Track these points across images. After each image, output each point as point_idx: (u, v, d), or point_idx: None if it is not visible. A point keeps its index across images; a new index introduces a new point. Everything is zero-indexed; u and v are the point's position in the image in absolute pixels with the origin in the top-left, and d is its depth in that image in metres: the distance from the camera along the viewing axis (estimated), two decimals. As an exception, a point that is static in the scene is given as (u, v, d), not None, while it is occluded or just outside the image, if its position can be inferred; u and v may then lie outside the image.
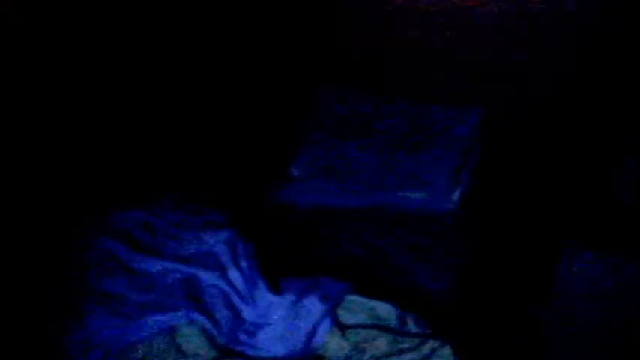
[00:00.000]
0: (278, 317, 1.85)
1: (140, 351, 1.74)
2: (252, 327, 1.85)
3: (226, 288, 1.89)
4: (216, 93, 2.58)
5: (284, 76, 2.66)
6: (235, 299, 1.88)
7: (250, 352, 1.80)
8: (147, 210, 2.07)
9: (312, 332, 1.80)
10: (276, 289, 1.92)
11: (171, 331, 1.78)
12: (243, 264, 1.96)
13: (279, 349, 1.80)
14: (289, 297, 1.88)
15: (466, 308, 2.11)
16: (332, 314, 1.83)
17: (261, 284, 1.92)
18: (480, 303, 2.15)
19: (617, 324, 2.02)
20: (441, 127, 2.50)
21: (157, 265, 1.91)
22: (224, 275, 1.91)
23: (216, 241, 2.00)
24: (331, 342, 1.80)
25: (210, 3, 2.53)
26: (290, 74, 2.66)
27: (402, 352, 1.76)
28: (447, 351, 1.77)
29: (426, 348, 1.77)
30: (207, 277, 1.89)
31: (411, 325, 1.84)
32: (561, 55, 2.50)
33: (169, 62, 2.51)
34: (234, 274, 1.93)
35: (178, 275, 1.89)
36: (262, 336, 1.83)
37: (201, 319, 1.80)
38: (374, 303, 1.87)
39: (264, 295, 1.90)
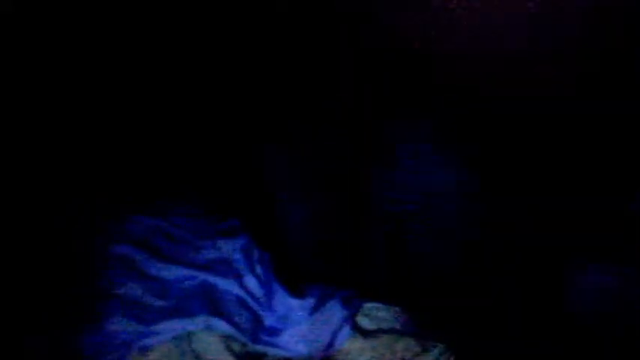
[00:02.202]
0: (300, 319, 1.88)
1: (156, 356, 1.73)
2: (274, 329, 1.87)
3: (243, 294, 1.89)
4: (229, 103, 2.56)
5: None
6: (253, 304, 1.89)
7: (272, 351, 1.82)
8: (164, 217, 2.09)
9: (334, 335, 1.84)
10: (295, 293, 1.95)
11: (188, 336, 1.78)
12: (259, 271, 1.98)
13: (302, 349, 1.83)
14: (310, 301, 1.92)
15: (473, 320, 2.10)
16: (352, 320, 1.87)
17: (278, 289, 1.95)
18: (488, 314, 2.14)
19: (628, 334, 2.01)
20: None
21: (173, 272, 1.91)
22: (240, 282, 1.92)
23: (232, 249, 2.01)
24: (352, 346, 1.83)
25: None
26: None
27: (417, 354, 1.82)
28: (451, 358, 1.85)
29: (437, 351, 1.85)
30: (223, 283, 1.90)
31: (422, 329, 1.91)
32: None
33: (190, 73, 2.49)
34: (250, 281, 1.94)
35: (195, 282, 1.89)
36: (285, 336, 1.85)
37: (220, 323, 1.79)
38: (391, 309, 1.93)
39: (284, 300, 1.93)
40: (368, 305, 1.93)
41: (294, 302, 1.92)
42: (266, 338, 1.83)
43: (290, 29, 2.38)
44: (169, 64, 2.45)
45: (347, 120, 2.35)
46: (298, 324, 1.87)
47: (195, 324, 1.78)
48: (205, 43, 2.49)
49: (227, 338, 1.79)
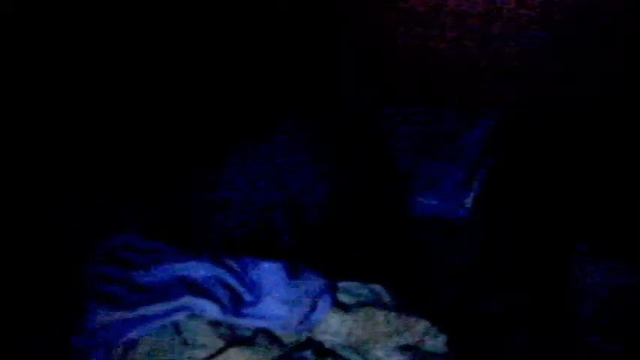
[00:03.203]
0: (277, 282, 1.84)
1: (146, 347, 1.71)
2: (254, 300, 1.83)
3: (224, 275, 1.86)
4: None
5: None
6: (235, 284, 1.85)
7: (258, 323, 1.78)
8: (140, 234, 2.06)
9: (315, 302, 1.80)
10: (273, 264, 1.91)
11: (175, 326, 1.75)
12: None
13: (283, 312, 1.78)
14: (286, 272, 1.86)
15: (473, 309, 2.12)
16: (332, 293, 1.84)
17: (257, 262, 1.90)
18: (490, 304, 2.14)
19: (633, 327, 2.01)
20: (454, 132, 2.49)
21: (154, 275, 1.88)
22: (221, 264, 1.89)
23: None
24: (332, 320, 1.79)
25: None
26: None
27: (399, 330, 1.79)
28: (441, 338, 1.81)
29: (420, 328, 1.81)
30: (203, 270, 1.87)
31: (404, 306, 1.87)
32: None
33: (190, 74, 2.49)
34: (229, 261, 1.91)
35: (176, 276, 1.86)
36: (265, 302, 1.81)
37: (202, 302, 1.77)
38: (370, 286, 1.89)
39: (263, 273, 1.87)
40: (346, 283, 1.89)
41: (268, 266, 1.87)
42: (247, 311, 1.79)
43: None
44: (171, 64, 2.46)
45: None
46: (276, 287, 1.83)
47: (179, 305, 1.76)
48: (205, 43, 2.51)
49: (214, 322, 1.77)
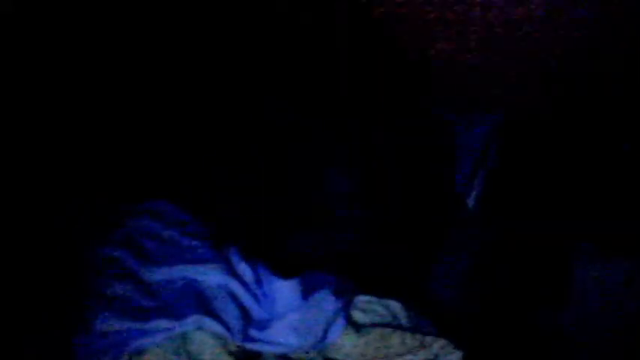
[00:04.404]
0: (291, 304, 1.82)
1: (152, 357, 1.68)
2: (264, 322, 1.80)
3: (234, 286, 1.83)
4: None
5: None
6: (245, 297, 1.83)
7: (266, 348, 1.75)
8: (153, 218, 2.02)
9: (328, 327, 1.77)
10: (284, 275, 1.89)
11: (182, 337, 1.72)
12: (252, 260, 1.92)
13: (293, 341, 1.75)
14: (300, 290, 1.85)
15: (476, 312, 2.11)
16: (346, 313, 1.80)
17: (271, 279, 1.89)
18: (491, 307, 2.14)
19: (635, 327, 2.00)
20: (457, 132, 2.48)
21: (164, 273, 1.85)
22: (234, 273, 1.86)
23: (224, 245, 1.96)
24: (345, 341, 1.76)
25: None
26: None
27: (413, 349, 1.77)
28: (456, 354, 1.79)
29: (436, 346, 1.78)
30: (216, 278, 1.84)
31: (422, 324, 1.85)
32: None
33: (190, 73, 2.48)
34: (243, 268, 1.88)
35: (186, 280, 1.84)
36: (275, 328, 1.78)
37: (211, 323, 1.73)
38: (385, 302, 1.86)
39: (276, 290, 1.86)
40: (362, 298, 1.86)
41: (283, 284, 1.86)
42: (255, 334, 1.77)
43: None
44: (172, 65, 2.46)
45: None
46: (290, 311, 1.80)
47: (186, 324, 1.72)
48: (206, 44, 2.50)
49: (222, 337, 1.74)
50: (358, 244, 2.12)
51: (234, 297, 1.82)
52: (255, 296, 1.84)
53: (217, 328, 1.73)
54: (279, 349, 1.75)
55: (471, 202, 2.33)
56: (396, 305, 1.85)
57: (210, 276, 1.84)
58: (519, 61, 2.51)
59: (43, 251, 1.95)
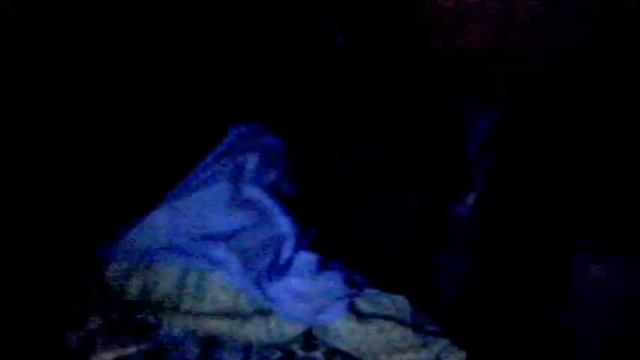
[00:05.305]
0: (303, 277, 1.85)
1: (164, 282, 1.82)
2: (278, 280, 1.84)
3: (267, 238, 1.92)
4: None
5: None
6: (273, 246, 1.90)
7: (266, 301, 1.81)
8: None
9: (327, 306, 1.79)
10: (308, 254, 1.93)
11: (201, 275, 1.82)
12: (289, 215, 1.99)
13: (293, 305, 1.80)
14: (317, 265, 1.88)
15: (476, 312, 2.09)
16: (350, 300, 1.82)
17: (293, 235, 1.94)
18: (491, 307, 2.13)
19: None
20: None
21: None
22: (268, 224, 1.94)
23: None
24: (343, 327, 1.78)
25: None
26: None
27: (415, 346, 1.77)
28: (459, 355, 1.78)
29: (439, 346, 1.78)
30: (249, 224, 1.94)
31: (425, 322, 1.85)
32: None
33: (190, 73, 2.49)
34: (279, 220, 1.96)
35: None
36: (281, 290, 1.82)
37: (231, 261, 1.84)
38: (392, 297, 1.86)
39: (296, 256, 1.90)
40: (370, 291, 1.87)
41: (305, 254, 1.91)
42: (265, 283, 1.81)
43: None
44: (173, 66, 2.46)
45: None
46: (301, 275, 1.84)
47: (208, 261, 1.83)
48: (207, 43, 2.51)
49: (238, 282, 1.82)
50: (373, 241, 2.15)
51: (264, 247, 1.90)
52: (279, 251, 1.90)
53: (235, 272, 1.82)
54: (276, 306, 1.80)
55: (470, 200, 2.32)
56: (403, 301, 1.85)
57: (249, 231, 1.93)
58: (519, 59, 2.52)
59: (43, 251, 1.97)
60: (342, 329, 1.76)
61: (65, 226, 2.04)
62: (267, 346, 1.78)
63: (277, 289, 1.80)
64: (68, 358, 1.74)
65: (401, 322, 1.80)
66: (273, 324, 1.78)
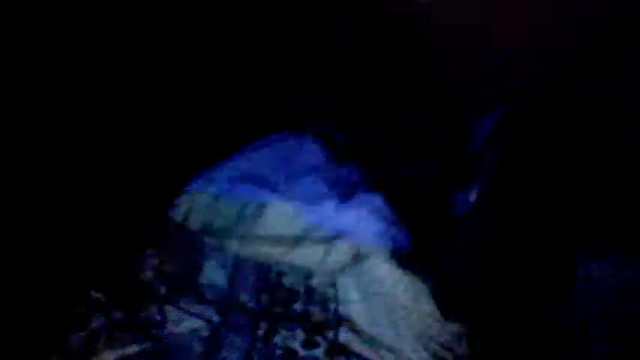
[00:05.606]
0: (358, 211, 1.94)
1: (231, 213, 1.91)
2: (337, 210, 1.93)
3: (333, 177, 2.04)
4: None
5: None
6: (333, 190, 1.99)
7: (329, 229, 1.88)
8: None
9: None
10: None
11: (261, 206, 1.91)
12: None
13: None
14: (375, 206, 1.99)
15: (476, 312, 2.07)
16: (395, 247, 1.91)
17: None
18: (490, 307, 2.11)
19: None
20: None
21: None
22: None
23: None
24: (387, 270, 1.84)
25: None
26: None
27: (425, 331, 1.79)
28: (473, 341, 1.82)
29: (452, 329, 1.81)
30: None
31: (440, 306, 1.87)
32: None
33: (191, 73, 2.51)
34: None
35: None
36: (344, 219, 1.90)
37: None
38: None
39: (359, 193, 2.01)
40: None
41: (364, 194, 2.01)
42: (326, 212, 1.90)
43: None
44: (174, 66, 2.46)
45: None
46: (358, 208, 1.94)
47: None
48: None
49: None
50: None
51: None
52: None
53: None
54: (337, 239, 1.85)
55: (472, 197, 2.32)
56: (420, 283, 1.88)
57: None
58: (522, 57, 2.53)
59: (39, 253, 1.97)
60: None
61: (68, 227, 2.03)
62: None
63: (336, 216, 1.90)
64: (70, 358, 1.74)
65: (415, 300, 1.82)
66: (325, 249, 1.85)
